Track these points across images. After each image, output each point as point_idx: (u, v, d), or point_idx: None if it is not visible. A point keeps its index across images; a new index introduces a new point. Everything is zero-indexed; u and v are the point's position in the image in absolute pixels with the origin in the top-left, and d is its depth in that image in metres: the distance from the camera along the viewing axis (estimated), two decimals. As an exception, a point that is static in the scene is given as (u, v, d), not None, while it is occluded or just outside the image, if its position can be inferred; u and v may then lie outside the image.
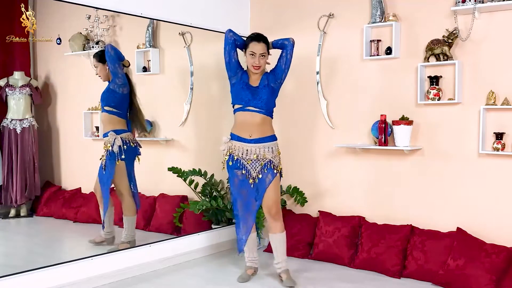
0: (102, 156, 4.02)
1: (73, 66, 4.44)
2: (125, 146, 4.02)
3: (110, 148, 3.98)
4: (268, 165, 3.64)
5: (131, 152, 4.10)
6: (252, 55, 3.62)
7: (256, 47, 3.62)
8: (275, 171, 3.66)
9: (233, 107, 3.77)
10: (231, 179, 3.73)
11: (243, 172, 3.65)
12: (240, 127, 3.68)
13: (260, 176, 3.62)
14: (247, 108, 3.63)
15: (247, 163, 3.64)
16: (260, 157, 3.63)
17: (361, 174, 4.32)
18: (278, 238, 3.75)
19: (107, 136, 4.03)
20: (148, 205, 4.73)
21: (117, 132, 4.02)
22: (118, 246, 3.99)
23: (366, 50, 4.15)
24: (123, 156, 4.00)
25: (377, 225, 4.13)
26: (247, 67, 3.73)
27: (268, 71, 3.75)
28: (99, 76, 4.08)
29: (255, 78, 3.72)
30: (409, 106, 4.01)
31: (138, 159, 4.21)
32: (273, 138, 3.72)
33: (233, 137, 3.72)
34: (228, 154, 3.70)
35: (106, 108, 4.05)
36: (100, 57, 4.05)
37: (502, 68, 3.62)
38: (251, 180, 3.63)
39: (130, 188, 4.16)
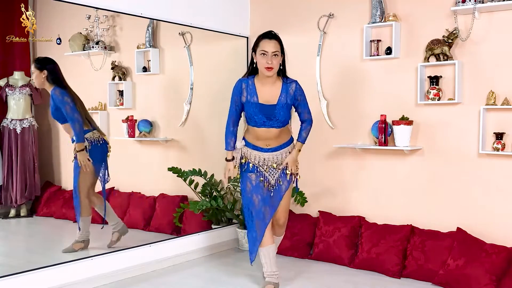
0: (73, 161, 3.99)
1: (73, 66, 4.44)
2: (90, 146, 3.97)
3: (75, 152, 3.92)
4: (286, 170, 3.48)
5: (97, 151, 4.02)
6: (264, 54, 3.27)
7: (268, 45, 3.27)
8: (292, 177, 3.50)
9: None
10: (243, 184, 3.48)
11: (261, 179, 3.43)
12: (255, 137, 3.45)
13: (280, 182, 3.46)
14: (262, 127, 3.40)
15: (265, 171, 3.44)
16: (279, 163, 3.46)
17: (361, 174, 4.32)
18: (276, 241, 3.68)
19: (73, 142, 3.96)
20: (148, 205, 4.74)
21: (73, 139, 3.96)
22: (73, 246, 3.95)
23: (366, 50, 4.15)
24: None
25: (377, 225, 4.13)
26: (256, 74, 3.42)
27: (294, 87, 3.39)
28: (33, 82, 3.96)
29: (267, 89, 3.37)
30: (409, 106, 4.01)
31: (108, 156, 4.12)
32: (290, 141, 3.53)
33: (248, 145, 3.48)
34: (244, 160, 3.47)
35: (60, 120, 3.98)
36: (40, 63, 3.90)
37: (502, 68, 3.62)
38: (270, 188, 3.44)
39: (93, 189, 4.08)
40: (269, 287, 3.52)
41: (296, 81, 3.43)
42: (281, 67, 3.38)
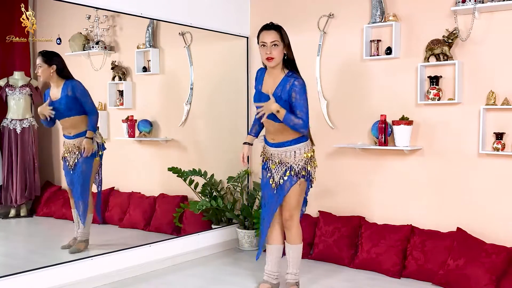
0: (73, 157, 3.98)
1: (73, 66, 4.43)
2: (101, 142, 4.07)
3: None
4: (289, 171, 3.32)
5: (102, 148, 4.12)
6: (263, 45, 3.24)
7: (266, 36, 3.23)
8: (295, 178, 3.32)
9: None
10: (261, 179, 3.53)
11: (269, 174, 3.41)
12: (266, 130, 3.46)
13: (282, 182, 3.34)
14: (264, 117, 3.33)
15: (272, 167, 3.39)
16: (283, 162, 3.34)
17: (361, 174, 4.31)
18: (288, 248, 3.48)
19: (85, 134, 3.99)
20: (148, 205, 4.74)
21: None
22: (77, 246, 3.93)
23: (366, 50, 4.15)
24: (100, 152, 4.03)
25: (377, 225, 4.13)
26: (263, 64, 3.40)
27: (291, 83, 3.22)
28: (39, 75, 3.96)
29: (271, 80, 3.33)
30: (409, 106, 4.01)
31: None
32: (297, 141, 3.33)
33: (264, 138, 3.51)
34: (261, 154, 3.53)
35: (71, 112, 3.99)
36: (48, 57, 3.91)
37: (502, 68, 3.62)
38: (273, 185, 3.37)
39: (97, 186, 4.12)
40: (263, 286, 3.52)
41: (298, 77, 3.26)
42: (285, 57, 3.30)
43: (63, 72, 3.95)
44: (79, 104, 3.96)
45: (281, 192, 3.36)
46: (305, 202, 3.54)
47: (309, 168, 3.37)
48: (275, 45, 3.22)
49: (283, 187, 3.35)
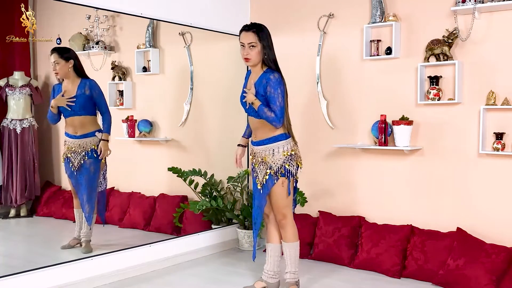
0: (78, 158, 3.95)
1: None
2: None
3: (96, 147, 3.96)
4: (269, 170, 3.31)
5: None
6: (242, 46, 3.30)
7: (244, 37, 3.29)
8: (275, 177, 3.29)
9: None
10: (252, 180, 3.52)
11: (255, 174, 3.41)
12: (251, 128, 3.48)
13: (264, 181, 3.32)
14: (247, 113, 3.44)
15: (256, 166, 3.39)
16: (264, 160, 3.33)
17: (361, 174, 4.32)
18: (285, 247, 3.46)
19: (94, 135, 3.97)
20: (148, 205, 4.74)
21: (100, 131, 4.02)
22: (86, 247, 3.92)
23: (366, 50, 4.15)
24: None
25: (377, 225, 4.14)
26: None
27: (267, 78, 3.26)
28: (56, 73, 3.88)
29: (253, 76, 3.38)
30: (409, 106, 4.01)
31: None
32: (276, 139, 3.30)
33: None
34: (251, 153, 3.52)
35: (84, 111, 3.96)
36: (66, 53, 3.88)
37: (502, 68, 3.62)
38: (259, 186, 3.36)
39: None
40: (257, 284, 3.53)
41: (275, 73, 3.28)
42: (266, 57, 3.31)
43: (79, 69, 3.93)
44: (93, 103, 3.94)
45: (266, 192, 3.36)
46: (294, 202, 3.51)
47: (288, 167, 3.31)
48: (252, 46, 3.28)
49: (266, 186, 3.34)
